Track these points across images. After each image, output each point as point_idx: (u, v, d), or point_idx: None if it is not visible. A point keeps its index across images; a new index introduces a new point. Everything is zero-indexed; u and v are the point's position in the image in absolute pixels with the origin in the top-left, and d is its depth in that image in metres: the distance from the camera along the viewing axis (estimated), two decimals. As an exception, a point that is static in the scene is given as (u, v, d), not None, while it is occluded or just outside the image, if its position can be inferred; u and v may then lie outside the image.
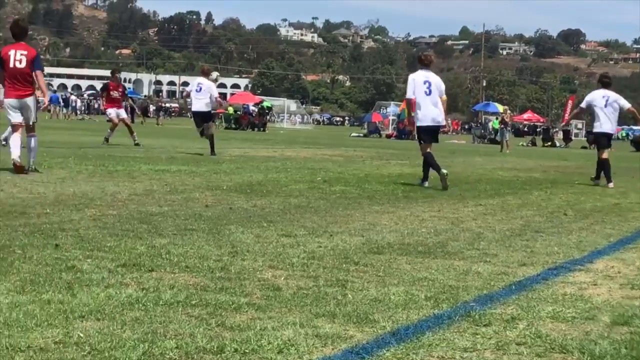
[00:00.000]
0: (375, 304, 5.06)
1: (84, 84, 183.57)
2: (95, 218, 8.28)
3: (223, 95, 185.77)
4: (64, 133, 32.32)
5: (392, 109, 73.82)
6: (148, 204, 9.76)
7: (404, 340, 4.25)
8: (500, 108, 67.00)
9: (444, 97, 14.64)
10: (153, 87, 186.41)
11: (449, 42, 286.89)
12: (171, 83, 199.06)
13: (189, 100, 23.15)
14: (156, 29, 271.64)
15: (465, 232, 8.63)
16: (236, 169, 16.24)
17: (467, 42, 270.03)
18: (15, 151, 13.14)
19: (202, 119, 21.52)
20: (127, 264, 5.91)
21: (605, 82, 17.02)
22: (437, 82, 14.45)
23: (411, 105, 14.42)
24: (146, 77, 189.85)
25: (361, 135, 62.36)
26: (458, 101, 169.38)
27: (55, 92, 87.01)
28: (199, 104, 21.42)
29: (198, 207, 9.70)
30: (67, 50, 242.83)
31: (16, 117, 13.65)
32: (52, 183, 11.60)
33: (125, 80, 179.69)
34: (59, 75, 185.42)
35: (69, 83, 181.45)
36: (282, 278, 5.71)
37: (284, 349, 4.00)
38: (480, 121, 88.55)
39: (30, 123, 13.70)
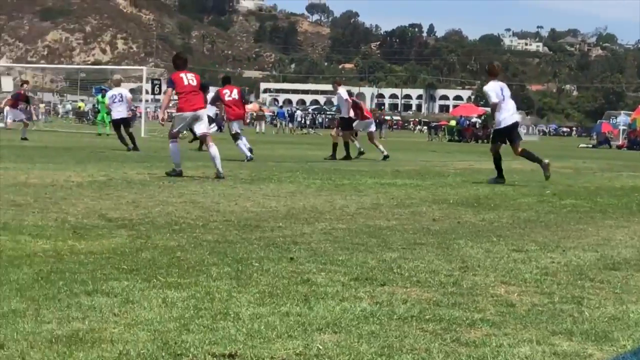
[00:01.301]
0: (614, 322, 4.91)
1: (308, 98, 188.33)
2: (326, 232, 8.44)
3: (446, 108, 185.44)
4: (290, 147, 33.18)
5: (623, 118, 71.24)
6: (376, 217, 9.87)
7: (647, 361, 4.10)
8: None
9: None
10: (375, 100, 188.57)
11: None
12: (393, 96, 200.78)
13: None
14: (378, 43, 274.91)
15: None
16: (462, 182, 16.15)
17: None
18: (217, 162, 15.20)
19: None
20: (359, 277, 5.99)
21: None
22: (507, 88, 16.45)
23: (494, 108, 16.08)
24: (368, 91, 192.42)
25: (590, 146, 60.66)
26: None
27: (281, 107, 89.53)
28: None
29: (426, 221, 9.71)
30: (292, 66, 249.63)
31: (201, 128, 15.87)
32: (283, 197, 11.93)
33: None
34: (284, 91, 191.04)
35: (294, 98, 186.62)
36: (516, 294, 5.64)
37: (521, 367, 3.95)
38: None
39: (205, 132, 15.96)
